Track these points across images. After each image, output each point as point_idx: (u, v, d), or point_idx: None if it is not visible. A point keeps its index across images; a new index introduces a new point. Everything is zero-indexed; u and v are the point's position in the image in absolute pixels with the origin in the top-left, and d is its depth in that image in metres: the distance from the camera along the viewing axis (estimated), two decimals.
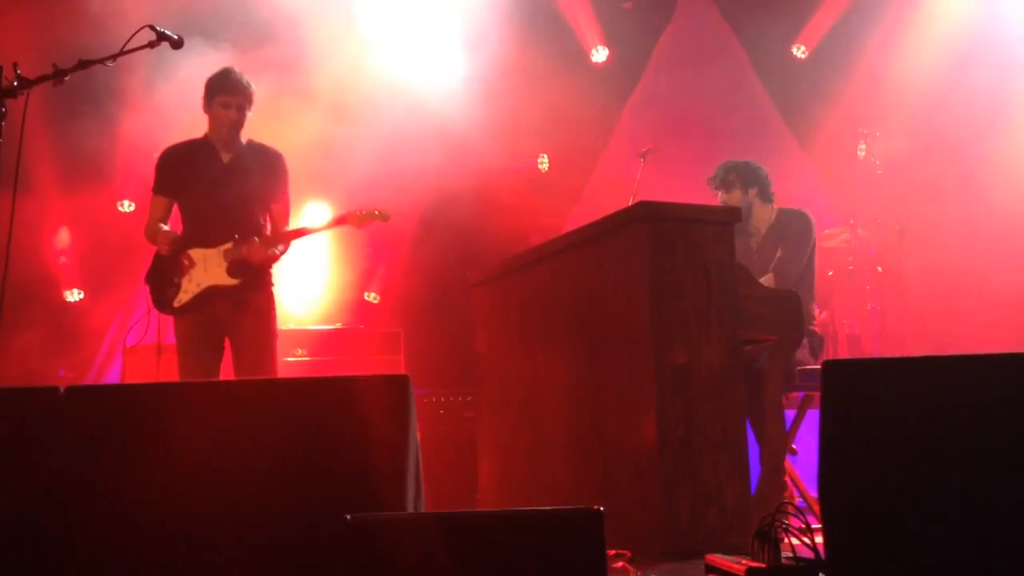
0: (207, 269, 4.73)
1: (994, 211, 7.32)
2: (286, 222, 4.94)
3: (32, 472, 2.74)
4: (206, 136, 4.90)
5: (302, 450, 2.75)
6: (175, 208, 4.94)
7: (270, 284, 4.90)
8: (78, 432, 2.79)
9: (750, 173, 5.18)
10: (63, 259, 7.69)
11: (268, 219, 4.91)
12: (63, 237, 7.68)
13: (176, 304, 4.73)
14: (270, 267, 4.89)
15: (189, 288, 4.73)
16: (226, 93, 4.78)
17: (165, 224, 4.86)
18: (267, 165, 4.90)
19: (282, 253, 4.87)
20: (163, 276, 4.79)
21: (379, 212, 4.87)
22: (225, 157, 4.85)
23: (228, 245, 4.73)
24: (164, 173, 4.90)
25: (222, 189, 4.78)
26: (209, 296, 4.72)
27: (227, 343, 4.82)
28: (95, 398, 2.93)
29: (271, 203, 4.90)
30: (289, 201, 4.98)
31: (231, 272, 4.73)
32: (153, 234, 4.84)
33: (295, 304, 7.08)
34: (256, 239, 4.73)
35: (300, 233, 4.86)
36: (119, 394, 3.07)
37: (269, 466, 2.73)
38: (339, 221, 4.92)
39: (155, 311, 4.90)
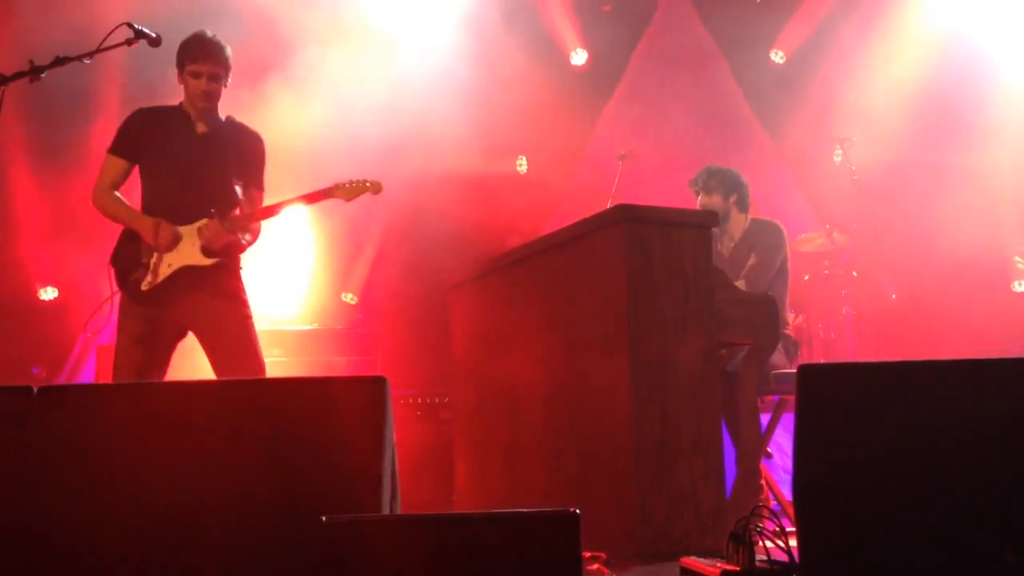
0: (179, 248, 4.29)
1: (968, 217, 7.38)
2: (254, 208, 4.50)
3: (4, 473, 2.72)
4: (180, 105, 4.48)
5: (278, 451, 2.74)
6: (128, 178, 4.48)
7: (239, 269, 4.49)
8: (50, 432, 2.76)
9: (732, 181, 5.23)
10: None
11: (241, 202, 4.49)
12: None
13: (144, 287, 4.26)
14: (238, 253, 4.49)
15: (160, 270, 4.28)
16: (196, 61, 4.34)
17: (116, 189, 4.41)
18: (246, 145, 4.54)
19: (251, 242, 4.48)
20: (130, 256, 4.32)
21: (370, 183, 4.49)
22: (200, 129, 4.45)
23: (203, 222, 4.32)
24: (129, 135, 4.43)
25: (196, 162, 4.39)
26: (181, 278, 4.28)
27: (179, 341, 4.43)
28: (68, 398, 2.91)
29: (247, 186, 4.51)
30: (264, 188, 4.59)
31: (205, 252, 4.32)
32: (113, 204, 4.38)
33: (272, 304, 7.04)
34: (229, 217, 4.34)
35: (280, 206, 4.41)
36: (92, 394, 3.04)
37: (244, 467, 2.72)
38: (325, 193, 4.46)
39: (119, 296, 4.36)
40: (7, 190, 7.23)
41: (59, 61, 3.76)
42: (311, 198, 4.45)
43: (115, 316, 4.38)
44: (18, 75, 3.66)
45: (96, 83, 7.12)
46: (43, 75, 3.71)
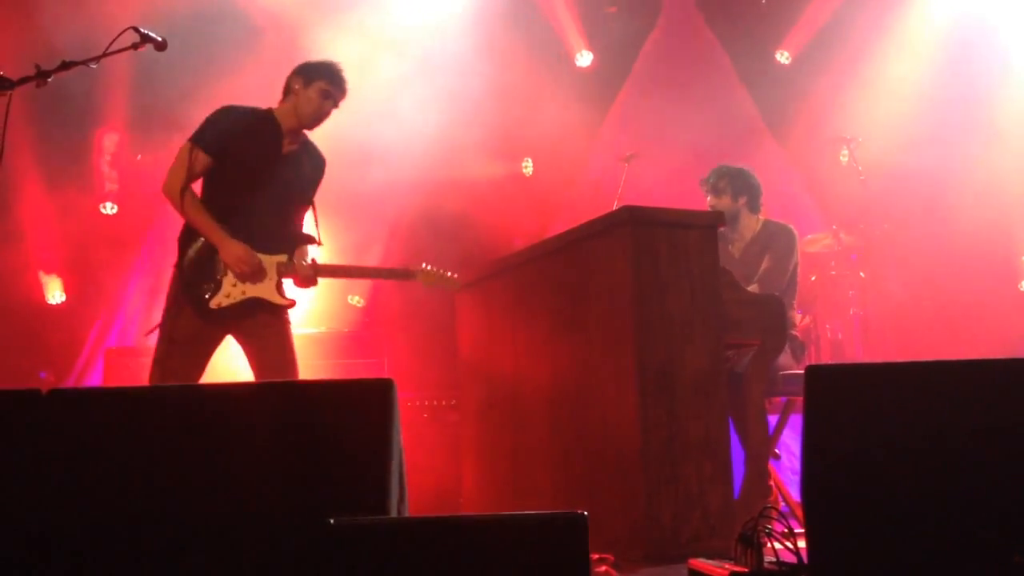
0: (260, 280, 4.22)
1: (976, 217, 7.37)
2: (318, 238, 4.46)
3: (13, 476, 2.73)
4: (272, 112, 4.36)
5: (285, 454, 2.74)
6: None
7: None
8: (60, 435, 2.77)
9: (743, 182, 5.22)
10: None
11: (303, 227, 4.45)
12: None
13: (214, 306, 4.14)
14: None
15: (232, 292, 4.17)
16: (333, 84, 4.30)
17: (192, 183, 4.23)
18: (317, 170, 4.50)
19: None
20: (203, 269, 4.16)
21: (453, 276, 4.59)
22: (288, 147, 4.34)
23: (283, 258, 4.26)
24: (219, 131, 4.24)
25: (280, 185, 4.28)
26: (250, 308, 4.20)
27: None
28: (78, 401, 2.91)
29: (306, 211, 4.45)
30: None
31: (281, 289, 4.27)
32: (195, 209, 4.18)
33: None
34: (311, 266, 4.32)
35: (361, 274, 4.50)
36: (102, 397, 3.05)
37: (252, 470, 2.72)
38: (405, 275, 4.56)
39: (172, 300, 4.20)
40: (15, 194, 7.25)
41: (65, 65, 3.76)
42: (389, 273, 4.65)
43: (158, 318, 4.27)
44: (25, 80, 3.67)
45: (103, 88, 7.14)
46: (50, 79, 3.72)
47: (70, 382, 7.40)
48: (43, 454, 2.74)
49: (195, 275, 4.18)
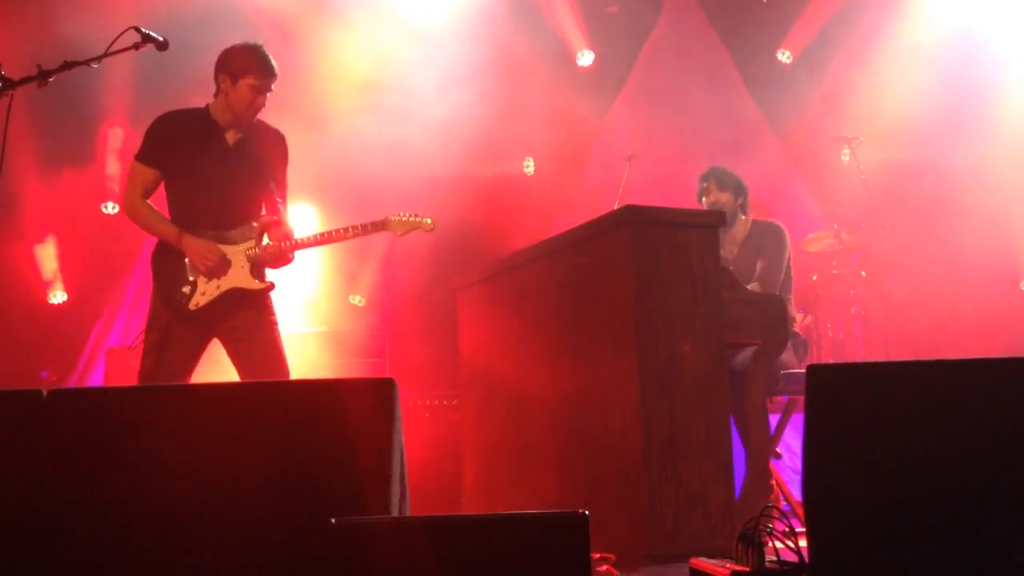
0: (228, 269, 4.26)
1: (977, 216, 7.37)
2: (285, 212, 4.46)
3: (14, 475, 2.73)
4: (208, 109, 4.38)
5: (287, 453, 2.74)
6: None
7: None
8: (61, 435, 2.77)
9: (740, 182, 5.26)
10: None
11: (269, 209, 4.43)
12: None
13: (192, 307, 4.20)
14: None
15: (207, 289, 4.23)
16: (259, 76, 4.27)
17: (148, 198, 4.33)
18: (273, 148, 4.47)
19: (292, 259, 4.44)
20: (176, 276, 4.24)
21: (428, 221, 4.52)
22: (231, 138, 4.36)
23: (251, 244, 4.29)
24: (158, 142, 4.31)
25: (228, 175, 4.30)
26: (230, 304, 4.26)
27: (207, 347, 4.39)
28: (79, 401, 2.92)
29: (276, 191, 4.42)
30: (287, 185, 4.54)
31: (255, 274, 4.30)
32: (149, 217, 4.29)
33: (280, 307, 7.05)
34: (277, 244, 4.33)
35: (332, 238, 4.40)
36: (103, 397, 3.05)
37: (253, 469, 2.72)
38: (376, 227, 4.45)
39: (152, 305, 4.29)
40: (16, 193, 7.25)
41: (67, 65, 3.76)
42: (363, 229, 4.42)
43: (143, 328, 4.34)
44: (26, 79, 3.67)
45: (104, 87, 7.14)
46: (51, 79, 3.72)
47: (71, 382, 7.40)
48: (44, 454, 2.74)
49: (171, 284, 4.25)
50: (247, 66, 4.27)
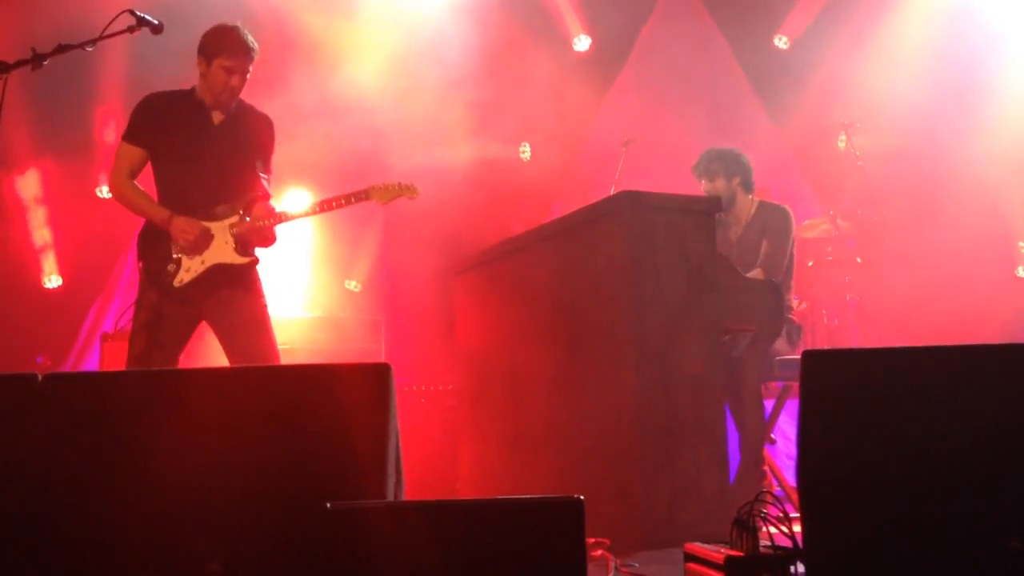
0: (211, 246, 4.26)
1: (973, 202, 7.37)
2: (269, 195, 4.48)
3: (9, 460, 2.73)
4: (194, 90, 4.39)
5: (282, 438, 2.74)
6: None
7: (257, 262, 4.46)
8: (56, 420, 2.77)
9: (734, 161, 5.18)
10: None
11: (254, 188, 4.42)
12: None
13: (177, 283, 4.22)
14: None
15: (192, 266, 4.24)
16: (231, 57, 4.25)
17: (134, 178, 4.36)
18: (259, 130, 4.48)
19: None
20: (159, 252, 4.26)
21: (406, 187, 4.41)
22: (217, 118, 4.38)
23: (234, 219, 4.30)
24: (144, 122, 4.34)
25: (214, 155, 4.32)
26: (215, 281, 4.26)
27: (197, 330, 4.42)
28: (74, 385, 2.91)
29: (261, 172, 4.43)
30: (272, 171, 4.55)
31: (240, 250, 4.30)
32: (134, 196, 4.32)
33: (275, 291, 7.04)
34: (266, 221, 4.32)
35: (315, 209, 4.38)
36: (98, 382, 3.05)
37: (248, 454, 2.72)
38: (361, 196, 4.37)
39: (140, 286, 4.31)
40: (11, 178, 7.23)
41: (61, 49, 3.75)
42: (346, 200, 4.37)
43: (131, 305, 4.36)
44: (21, 63, 3.65)
45: (99, 71, 7.11)
46: (45, 63, 3.70)
47: (67, 366, 7.40)
48: (39, 438, 2.74)
49: (157, 263, 4.26)
50: (219, 47, 4.27)
